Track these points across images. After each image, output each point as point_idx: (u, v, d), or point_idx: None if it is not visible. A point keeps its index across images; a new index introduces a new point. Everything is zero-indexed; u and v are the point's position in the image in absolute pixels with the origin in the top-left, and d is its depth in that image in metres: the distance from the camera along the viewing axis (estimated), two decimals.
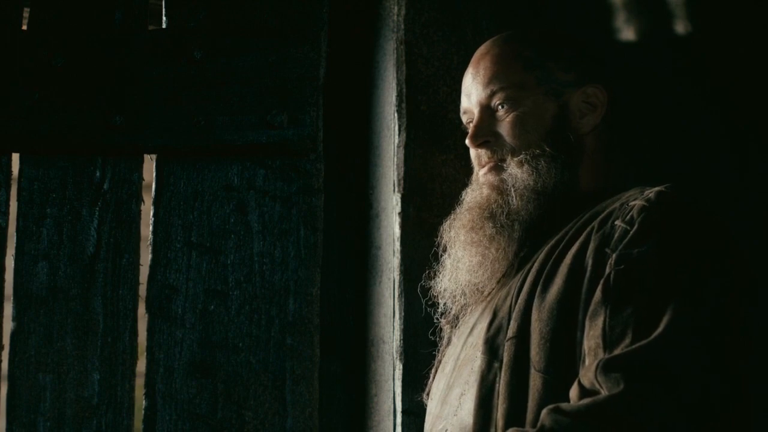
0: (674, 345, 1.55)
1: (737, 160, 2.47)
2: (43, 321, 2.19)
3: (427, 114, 2.32)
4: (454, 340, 1.97)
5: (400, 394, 2.24)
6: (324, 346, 2.30)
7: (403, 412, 2.23)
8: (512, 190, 1.89)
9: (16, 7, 2.24)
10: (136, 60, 2.24)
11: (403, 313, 2.25)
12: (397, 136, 2.31)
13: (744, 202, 2.42)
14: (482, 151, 1.96)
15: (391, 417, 2.27)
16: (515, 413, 1.69)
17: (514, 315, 1.77)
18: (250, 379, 2.22)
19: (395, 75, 2.32)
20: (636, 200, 1.73)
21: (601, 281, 1.66)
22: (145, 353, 2.21)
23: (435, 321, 2.05)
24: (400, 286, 2.26)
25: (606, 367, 1.55)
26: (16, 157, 2.24)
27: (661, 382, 1.52)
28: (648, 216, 1.69)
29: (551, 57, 1.95)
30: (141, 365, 2.21)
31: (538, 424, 1.57)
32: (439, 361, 2.02)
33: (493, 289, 1.93)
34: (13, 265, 2.20)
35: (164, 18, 2.28)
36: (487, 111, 1.96)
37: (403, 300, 2.25)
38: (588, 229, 1.77)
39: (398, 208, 2.29)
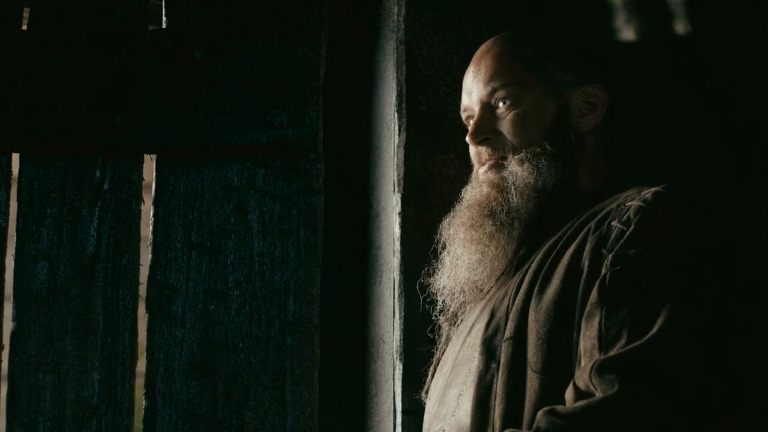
0: (669, 345, 1.55)
1: (737, 160, 2.47)
2: (43, 321, 2.19)
3: (427, 114, 2.32)
4: (454, 339, 1.97)
5: (400, 394, 2.24)
6: (324, 346, 2.30)
7: (403, 412, 2.23)
8: (512, 188, 1.89)
9: (16, 7, 2.24)
10: (136, 60, 2.24)
11: (403, 313, 2.25)
12: (397, 136, 2.31)
13: (744, 202, 2.42)
14: (482, 149, 1.96)
15: (391, 417, 2.27)
16: (512, 414, 1.69)
17: (512, 315, 1.77)
18: (250, 379, 2.22)
19: (395, 75, 2.32)
20: (633, 201, 1.73)
21: (597, 282, 1.66)
22: (145, 353, 2.21)
23: (433, 318, 2.05)
24: (400, 286, 2.26)
25: (600, 369, 1.54)
26: (16, 157, 2.24)
27: (655, 383, 1.52)
28: (644, 217, 1.69)
29: (552, 57, 1.95)
30: (141, 365, 2.21)
31: (534, 426, 1.57)
32: (438, 360, 2.02)
33: (492, 287, 1.93)
34: (13, 265, 2.20)
35: (164, 18, 2.28)
36: (487, 109, 1.96)
37: (403, 300, 2.25)
38: (585, 229, 1.77)
39: (398, 208, 2.29)
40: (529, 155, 1.90)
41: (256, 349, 2.23)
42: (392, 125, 2.32)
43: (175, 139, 2.24)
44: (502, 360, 1.74)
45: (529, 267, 1.82)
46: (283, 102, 2.26)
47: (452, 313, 1.99)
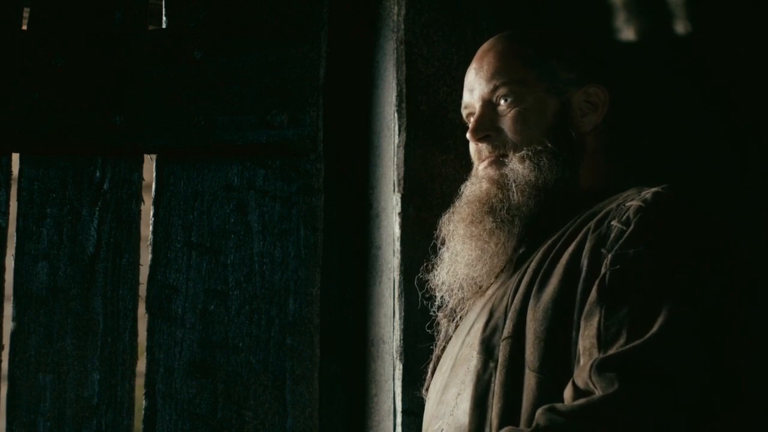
0: (669, 344, 1.55)
1: (737, 160, 2.47)
2: (43, 321, 2.19)
3: (427, 114, 2.32)
4: (453, 338, 1.97)
5: (400, 394, 2.24)
6: (324, 346, 2.30)
7: (403, 412, 2.23)
8: (513, 185, 1.89)
9: (16, 7, 2.24)
10: (136, 60, 2.24)
11: (403, 313, 2.25)
12: (397, 136, 2.31)
13: (744, 202, 2.42)
14: (483, 146, 1.96)
15: (391, 417, 2.27)
16: (510, 413, 1.69)
17: (510, 315, 1.77)
18: (250, 379, 2.22)
19: (395, 75, 2.32)
20: (632, 201, 1.73)
21: (597, 281, 1.66)
22: (145, 353, 2.21)
23: (431, 314, 2.05)
24: (400, 286, 2.26)
25: (600, 367, 1.54)
26: (16, 157, 2.24)
27: (655, 381, 1.52)
28: (644, 216, 1.69)
29: (553, 56, 1.96)
30: (141, 365, 2.21)
31: (533, 424, 1.57)
32: (437, 356, 2.02)
33: (491, 285, 1.93)
34: (13, 265, 2.20)
35: (164, 18, 2.28)
36: (488, 106, 1.96)
37: (403, 300, 2.25)
38: (584, 229, 1.77)
39: (398, 208, 2.29)
40: (530, 153, 1.90)
41: (256, 349, 2.23)
42: (392, 125, 2.32)
43: (175, 139, 2.24)
44: (500, 359, 1.74)
45: (528, 266, 1.82)
46: (283, 102, 2.26)
47: (450, 309, 1.99)
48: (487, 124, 1.95)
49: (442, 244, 1.98)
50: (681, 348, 1.55)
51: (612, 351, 1.57)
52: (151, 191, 2.26)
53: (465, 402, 1.78)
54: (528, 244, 1.90)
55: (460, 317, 1.98)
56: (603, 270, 1.66)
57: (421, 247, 2.24)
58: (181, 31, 2.26)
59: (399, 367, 2.25)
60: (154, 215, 2.25)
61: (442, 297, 1.99)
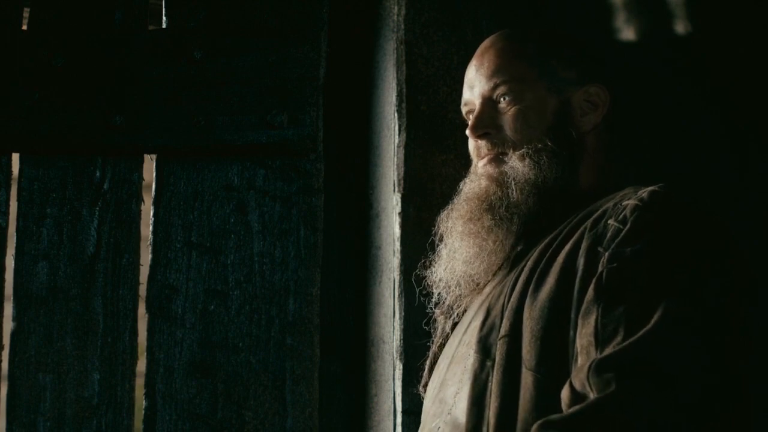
0: (665, 339, 1.55)
1: (737, 160, 2.46)
2: (43, 321, 2.19)
3: (427, 114, 2.32)
4: (451, 336, 1.97)
5: (400, 394, 2.24)
6: (324, 346, 2.30)
7: (403, 412, 2.23)
8: (513, 183, 1.89)
9: (16, 7, 2.24)
10: (136, 60, 2.24)
11: (403, 313, 2.25)
12: (397, 136, 2.31)
13: (744, 202, 2.42)
14: (482, 143, 1.96)
15: (391, 417, 2.27)
16: (507, 412, 1.69)
17: (507, 313, 1.77)
18: (250, 379, 2.22)
19: (395, 75, 2.32)
20: (629, 199, 1.73)
21: (594, 279, 1.65)
22: (145, 353, 2.21)
23: (428, 311, 2.05)
24: (400, 286, 2.26)
25: (598, 369, 1.54)
26: (16, 157, 2.24)
27: (651, 379, 1.51)
28: (641, 215, 1.69)
29: (554, 54, 1.96)
30: (141, 365, 2.21)
31: None
32: (434, 353, 2.02)
33: (489, 282, 1.93)
34: (13, 265, 2.20)
35: (164, 18, 2.28)
36: (489, 103, 1.96)
37: (403, 300, 2.25)
38: (581, 228, 1.77)
39: (398, 208, 2.29)
40: (530, 151, 1.90)
41: (256, 349, 2.23)
42: (392, 125, 2.32)
43: (175, 139, 2.24)
44: (497, 358, 1.74)
45: (525, 264, 1.82)
46: (283, 102, 2.26)
47: (448, 306, 1.98)
48: (487, 121, 1.95)
49: (440, 240, 1.98)
50: (678, 344, 1.55)
51: (609, 349, 1.56)
52: (151, 191, 2.26)
53: (463, 401, 1.78)
54: (526, 242, 1.90)
55: (458, 314, 1.98)
56: (600, 268, 1.66)
57: (421, 247, 2.24)
58: (181, 31, 2.26)
59: (399, 366, 2.25)
60: (154, 215, 2.25)
61: (439, 294, 1.99)
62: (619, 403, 1.50)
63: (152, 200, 2.26)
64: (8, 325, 2.19)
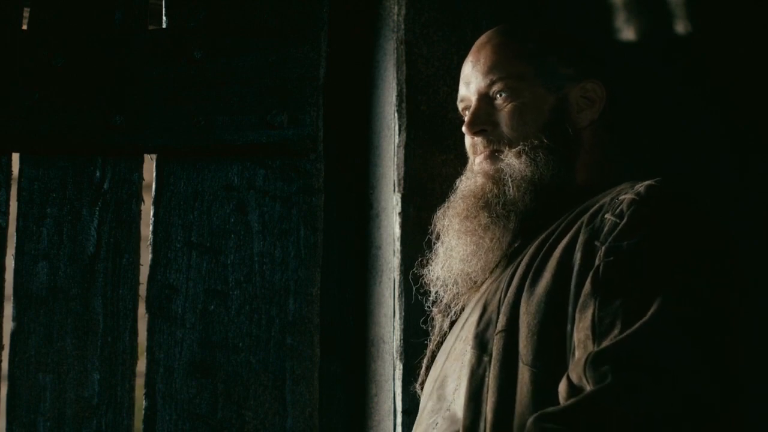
0: (660, 334, 1.54)
1: (737, 160, 2.46)
2: (43, 321, 2.19)
3: (427, 114, 2.32)
4: (449, 333, 1.97)
5: (400, 394, 2.24)
6: (324, 346, 2.30)
7: (404, 411, 2.23)
8: (509, 180, 1.89)
9: (16, 7, 2.24)
10: (136, 60, 2.24)
11: (403, 313, 2.25)
12: (397, 136, 2.31)
13: (744, 202, 2.42)
14: (478, 140, 1.96)
15: (391, 417, 2.27)
16: (504, 407, 1.69)
17: (503, 309, 1.76)
18: (250, 379, 2.22)
19: (395, 75, 2.32)
20: (626, 194, 1.73)
21: (591, 273, 1.65)
22: (145, 353, 2.21)
23: (426, 309, 2.05)
24: (400, 285, 2.26)
25: (594, 362, 1.54)
26: (16, 157, 2.24)
27: (647, 371, 1.51)
28: (638, 209, 1.69)
29: (551, 51, 1.96)
30: (141, 365, 2.21)
31: None
32: (432, 351, 2.02)
33: (486, 280, 1.93)
34: (13, 265, 2.20)
35: (164, 18, 2.28)
36: (485, 99, 1.96)
37: (403, 300, 2.25)
38: (578, 223, 1.77)
39: (398, 208, 2.29)
40: (526, 148, 1.90)
41: (256, 349, 2.23)
42: (392, 125, 2.33)
43: (175, 139, 2.24)
44: (494, 353, 1.74)
45: (521, 260, 1.82)
46: (283, 102, 2.26)
47: (445, 304, 1.98)
48: (484, 118, 1.95)
49: (437, 239, 1.98)
50: (674, 337, 1.55)
51: (606, 343, 1.56)
52: (151, 191, 2.26)
53: (461, 396, 1.78)
54: (523, 239, 1.90)
55: (455, 313, 1.98)
56: (597, 262, 1.66)
57: (421, 247, 2.24)
58: (181, 31, 2.26)
59: (399, 366, 2.25)
60: (154, 215, 2.25)
61: (436, 292, 1.98)
62: (615, 396, 1.50)
63: (152, 200, 2.26)
64: (8, 325, 2.19)
